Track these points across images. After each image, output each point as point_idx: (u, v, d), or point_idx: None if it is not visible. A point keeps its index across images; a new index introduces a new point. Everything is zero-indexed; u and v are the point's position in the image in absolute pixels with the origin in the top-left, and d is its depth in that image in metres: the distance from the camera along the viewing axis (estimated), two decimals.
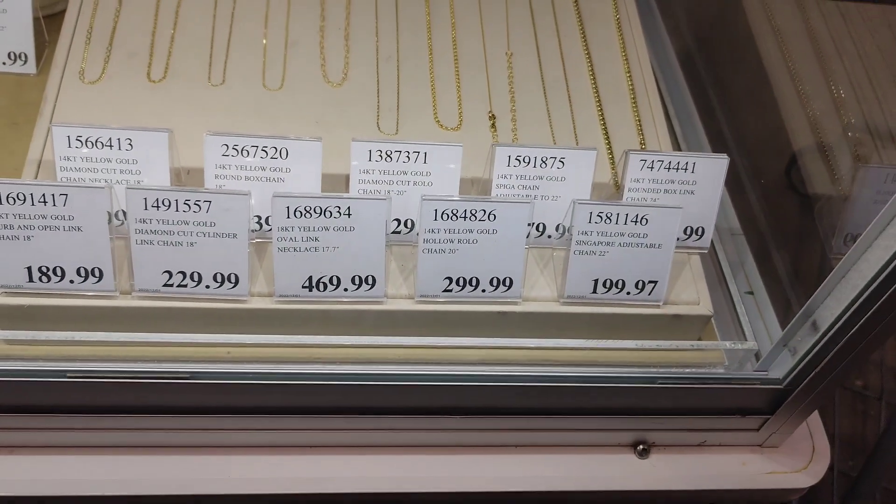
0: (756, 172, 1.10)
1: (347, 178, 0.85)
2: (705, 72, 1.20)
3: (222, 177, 0.78)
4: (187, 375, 0.75)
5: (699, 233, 0.87)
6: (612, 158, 0.94)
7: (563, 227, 0.84)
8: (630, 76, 1.01)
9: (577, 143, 0.94)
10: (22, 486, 0.78)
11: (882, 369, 1.86)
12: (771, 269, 1.01)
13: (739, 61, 1.19)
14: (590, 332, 0.84)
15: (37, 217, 0.72)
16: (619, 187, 0.91)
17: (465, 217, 0.77)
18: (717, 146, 1.11)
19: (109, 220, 0.73)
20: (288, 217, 0.74)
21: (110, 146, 0.76)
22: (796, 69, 1.08)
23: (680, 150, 1.04)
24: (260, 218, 0.80)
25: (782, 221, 1.06)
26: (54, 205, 0.71)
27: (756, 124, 1.13)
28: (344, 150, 0.81)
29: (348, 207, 0.75)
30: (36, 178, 0.82)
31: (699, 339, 0.87)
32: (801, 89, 1.06)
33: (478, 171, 0.87)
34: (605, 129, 0.96)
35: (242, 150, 0.77)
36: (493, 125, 0.95)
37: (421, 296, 0.79)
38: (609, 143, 0.95)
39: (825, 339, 0.74)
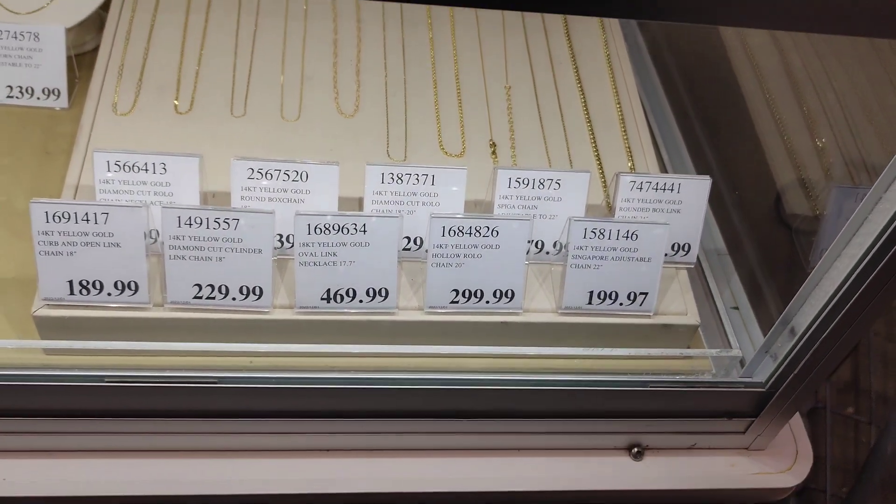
0: (739, 196, 1.17)
1: (360, 200, 0.92)
2: (690, 103, 1.28)
3: (248, 198, 0.85)
4: (214, 380, 0.81)
5: (686, 249, 0.94)
6: (604, 181, 1.01)
7: (560, 243, 0.90)
8: (619, 106, 1.09)
9: (571, 167, 1.02)
10: (59, 487, 0.83)
11: (871, 395, 1.92)
12: (754, 286, 1.08)
13: (721, 93, 1.28)
14: (586, 341, 0.90)
15: (79, 234, 0.79)
16: (610, 207, 0.98)
17: (470, 233, 0.84)
18: (702, 171, 1.19)
19: (145, 238, 0.80)
20: (309, 233, 0.81)
21: (146, 170, 0.83)
22: (773, 99, 1.16)
23: (666, 171, 1.12)
24: (282, 236, 0.86)
25: (764, 242, 1.13)
26: (96, 223, 0.78)
27: (738, 151, 1.21)
28: (356, 175, 0.88)
29: (364, 224, 0.82)
30: (74, 198, 0.89)
31: (688, 348, 0.94)
32: (777, 118, 1.14)
33: (480, 193, 0.94)
34: (598, 154, 1.04)
35: (266, 173, 0.84)
36: (494, 152, 1.02)
37: (430, 307, 0.86)
38: (601, 167, 1.02)
39: (802, 341, 0.81)
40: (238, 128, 0.99)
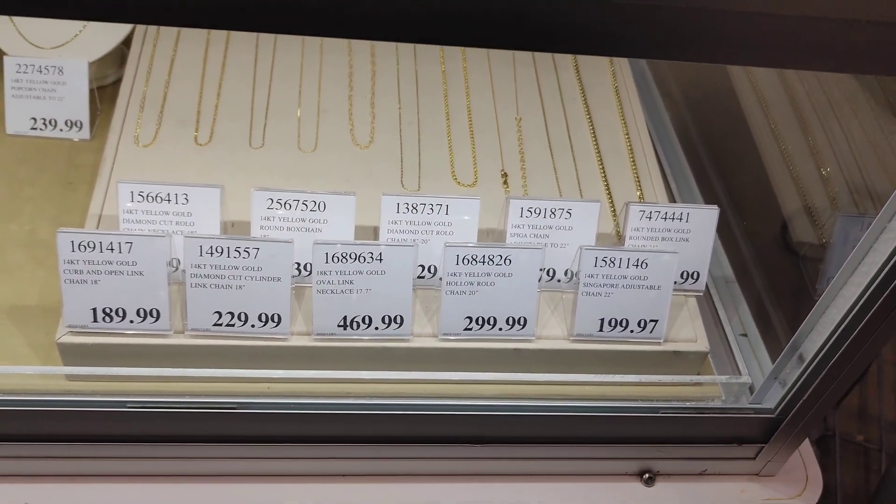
0: (746, 224, 1.19)
1: (375, 229, 0.95)
2: (696, 132, 1.31)
3: (267, 227, 0.87)
4: (233, 406, 0.83)
5: (695, 276, 0.96)
6: (614, 210, 1.03)
7: (571, 271, 0.92)
8: (628, 137, 1.12)
9: (581, 197, 1.04)
10: None
11: (881, 422, 1.92)
12: (762, 312, 1.09)
13: (727, 122, 1.30)
14: (597, 368, 0.91)
15: (103, 263, 0.81)
16: (620, 236, 1.00)
17: (483, 262, 0.86)
18: (709, 201, 1.21)
19: (167, 266, 0.82)
20: (326, 262, 0.83)
21: (168, 200, 0.86)
22: (778, 128, 1.19)
23: (674, 200, 1.14)
24: (299, 264, 0.88)
25: (771, 269, 1.15)
26: (120, 252, 0.80)
27: (744, 179, 1.23)
28: (371, 205, 0.90)
29: (380, 253, 0.84)
30: (97, 228, 0.91)
31: (698, 374, 0.95)
32: (783, 147, 1.17)
33: (492, 222, 0.96)
34: (607, 184, 1.06)
35: (285, 203, 0.87)
36: (505, 182, 1.04)
37: (444, 334, 0.88)
38: (611, 197, 1.05)
39: (810, 368, 0.82)
40: (256, 158, 1.01)
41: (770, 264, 1.15)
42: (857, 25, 0.56)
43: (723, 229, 1.14)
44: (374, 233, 0.95)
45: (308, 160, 1.02)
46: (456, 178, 1.04)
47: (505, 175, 1.05)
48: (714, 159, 1.27)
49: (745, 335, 1.07)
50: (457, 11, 0.52)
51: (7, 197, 1.03)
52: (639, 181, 1.07)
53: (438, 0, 0.51)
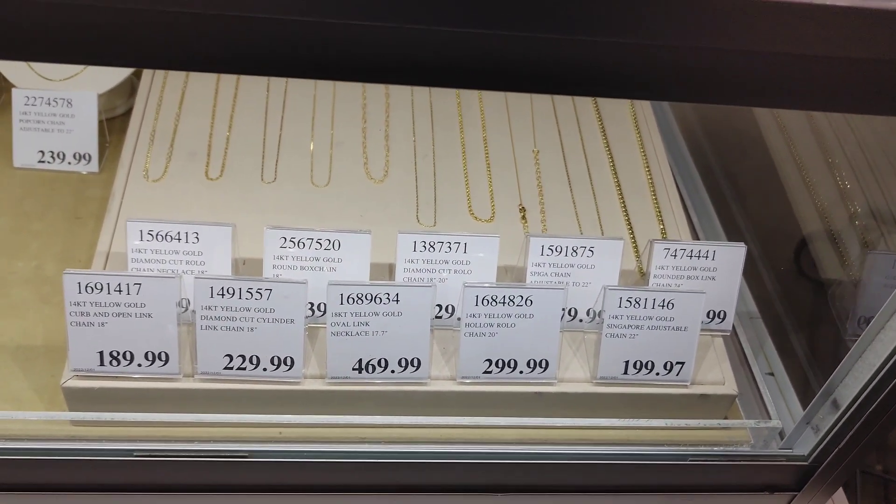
0: (770, 259, 1.16)
1: (390, 266, 0.92)
2: (717, 164, 1.28)
3: (280, 266, 0.84)
4: (245, 454, 0.79)
5: (721, 316, 0.92)
6: (636, 246, 1.00)
7: (594, 311, 0.89)
8: (648, 170, 1.09)
9: (602, 233, 1.01)
10: None
11: None
12: (789, 350, 1.06)
13: (748, 154, 1.27)
14: (621, 411, 0.88)
15: (111, 305, 0.78)
16: (643, 274, 0.97)
17: (504, 303, 0.83)
18: (731, 234, 1.18)
19: (176, 308, 0.79)
20: (341, 303, 0.80)
21: (178, 239, 0.83)
22: (801, 159, 1.16)
23: (697, 237, 1.11)
24: (313, 304, 0.86)
25: (797, 305, 1.12)
26: (128, 293, 0.78)
27: (767, 213, 1.20)
28: (386, 241, 0.88)
29: (397, 294, 0.81)
30: (105, 267, 0.89)
31: (725, 418, 0.91)
32: (807, 180, 1.14)
33: (511, 259, 0.93)
34: (628, 218, 1.03)
35: (298, 241, 0.84)
36: (524, 217, 1.02)
37: (462, 377, 0.84)
38: (632, 232, 1.02)
39: (846, 416, 0.79)
40: (268, 194, 0.99)
41: (795, 300, 1.12)
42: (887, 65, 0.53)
43: (746, 263, 1.11)
44: (390, 270, 0.92)
45: (321, 195, 1.00)
46: (473, 213, 1.01)
47: (523, 210, 1.02)
48: (735, 190, 1.24)
49: (772, 374, 1.03)
50: (467, 56, 0.49)
51: (13, 232, 1.00)
52: (660, 214, 1.04)
53: (453, 46, 0.48)
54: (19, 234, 1.00)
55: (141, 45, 0.45)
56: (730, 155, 1.28)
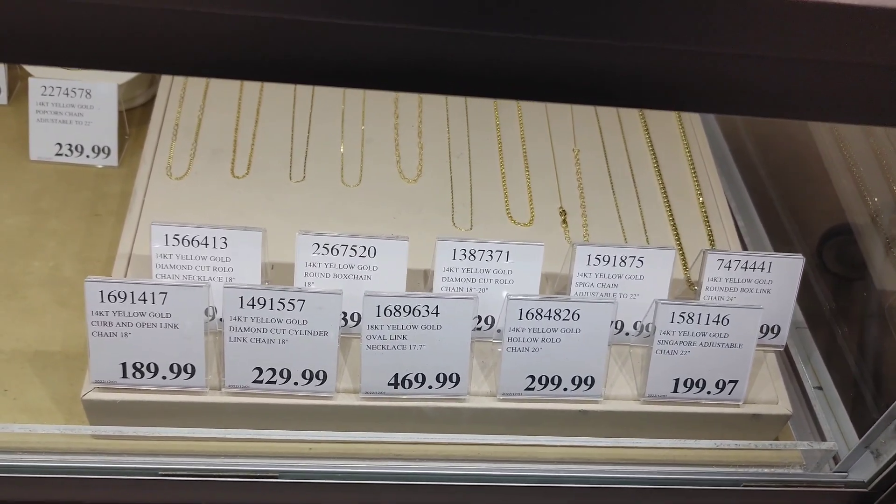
0: (816, 264, 1.11)
1: (425, 272, 0.87)
2: (760, 163, 1.22)
3: (312, 274, 0.80)
4: (275, 474, 0.75)
5: (775, 331, 0.87)
6: (682, 250, 0.95)
7: (642, 324, 0.84)
8: (694, 170, 1.03)
9: (646, 237, 0.96)
10: None
11: None
12: (839, 363, 1.01)
13: (794, 153, 1.21)
14: (669, 431, 0.83)
15: (135, 314, 0.74)
16: (692, 283, 0.92)
17: (549, 316, 0.78)
18: (778, 239, 1.13)
19: (203, 317, 0.75)
20: (378, 315, 0.75)
21: (206, 244, 0.78)
22: (852, 159, 1.10)
23: (743, 242, 1.05)
24: (346, 314, 0.81)
25: (846, 314, 1.06)
26: (153, 303, 0.73)
27: (815, 216, 1.15)
28: (421, 244, 0.83)
29: (436, 306, 0.76)
30: (126, 271, 0.84)
31: (776, 439, 0.86)
32: (860, 183, 1.08)
33: (552, 265, 0.88)
34: (673, 222, 0.98)
35: (332, 248, 0.79)
36: (565, 220, 0.96)
37: (503, 394, 0.80)
38: (678, 236, 0.96)
39: None
40: (297, 193, 0.94)
41: (844, 308, 1.07)
42: None
43: None
44: (425, 277, 0.87)
45: (352, 195, 0.95)
46: (511, 216, 0.96)
47: (564, 213, 0.97)
48: (779, 191, 1.18)
49: (820, 387, 0.98)
50: (498, 65, 0.44)
51: (30, 230, 0.96)
52: (707, 218, 0.99)
53: (491, 51, 0.43)
54: (36, 233, 0.96)
55: (160, 49, 0.40)
56: (773, 153, 1.22)
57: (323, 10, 0.39)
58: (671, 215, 0.99)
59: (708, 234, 0.98)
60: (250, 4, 0.39)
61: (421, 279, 0.88)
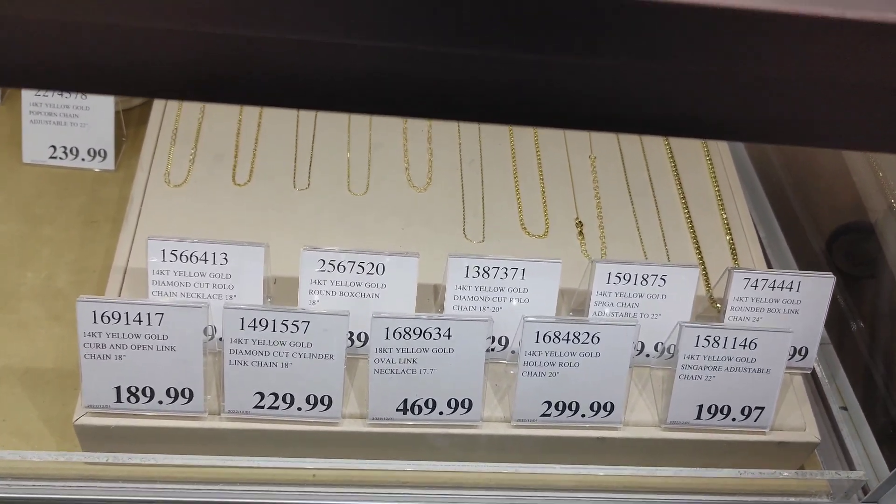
0: (843, 279, 1.06)
1: (435, 287, 0.83)
2: (784, 174, 1.18)
3: (317, 292, 0.76)
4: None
5: (803, 353, 0.83)
6: (704, 266, 0.91)
7: (664, 346, 0.80)
8: (716, 181, 0.99)
9: (666, 251, 0.92)
10: None
11: None
12: (866, 382, 0.97)
13: (821, 165, 1.17)
14: (691, 458, 0.79)
15: (130, 336, 0.70)
16: (713, 300, 0.88)
17: (567, 339, 0.74)
18: (797, 249, 1.08)
19: (203, 338, 0.71)
20: (387, 338, 0.71)
21: (205, 260, 0.74)
22: (881, 167, 1.05)
23: (766, 256, 1.01)
24: (352, 334, 0.77)
25: (872, 331, 1.02)
26: (149, 324, 0.69)
27: (837, 227, 1.10)
28: (431, 256, 0.79)
29: (448, 329, 0.72)
30: (121, 287, 0.80)
31: (802, 466, 0.82)
32: (890, 192, 1.04)
33: (568, 279, 0.84)
34: (694, 234, 0.94)
35: (339, 265, 0.75)
36: (581, 232, 0.92)
37: (518, 420, 0.76)
38: (699, 250, 0.92)
39: None
40: (301, 202, 0.90)
41: (871, 325, 1.03)
42: None
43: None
44: (435, 292, 0.83)
45: (359, 204, 0.91)
46: (525, 228, 0.92)
47: (580, 224, 0.93)
48: (803, 204, 1.14)
49: (846, 408, 0.94)
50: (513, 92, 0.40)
51: (23, 237, 0.92)
52: (730, 232, 0.95)
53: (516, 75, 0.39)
54: (29, 240, 0.92)
55: (150, 71, 0.36)
56: (798, 165, 1.18)
57: (320, 29, 0.35)
58: (692, 227, 0.94)
59: (730, 247, 0.93)
60: (244, 24, 0.34)
61: (431, 294, 0.84)
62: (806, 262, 1.05)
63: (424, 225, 0.90)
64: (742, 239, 0.94)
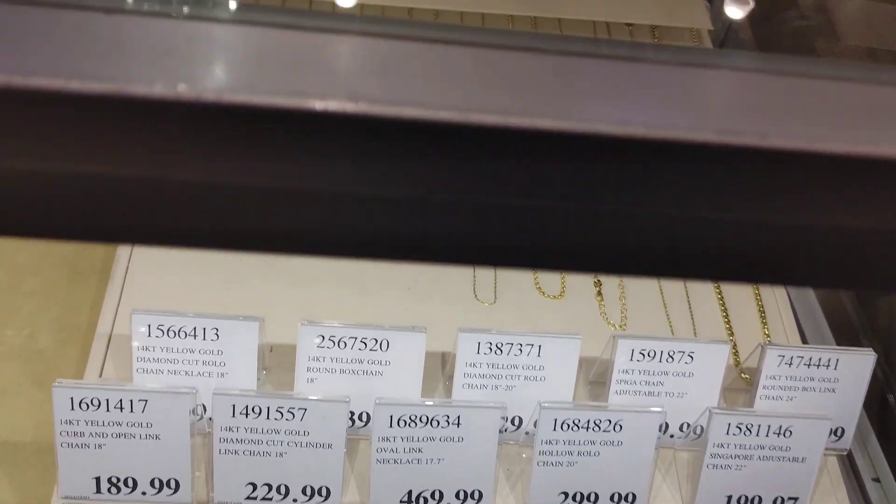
0: (872, 335, 1.00)
1: (443, 356, 0.78)
2: None
3: (315, 369, 0.70)
4: None
5: (839, 434, 0.77)
6: (732, 331, 0.85)
7: (690, 426, 0.74)
8: None
9: (691, 314, 0.86)
10: None
11: None
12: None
13: None
14: None
15: (111, 424, 0.64)
16: (743, 373, 0.82)
17: (587, 427, 0.68)
18: (831, 308, 1.02)
19: (189, 422, 0.65)
20: (391, 426, 0.66)
21: (194, 336, 0.69)
22: None
23: (798, 321, 0.94)
24: (353, 414, 0.71)
25: None
26: (132, 411, 0.64)
27: (881, 300, 1.04)
28: (439, 320, 0.74)
29: (458, 417, 0.66)
30: (105, 356, 0.74)
31: None
32: None
33: (586, 344, 0.77)
34: (720, 294, 0.87)
35: (339, 341, 0.69)
36: (599, 292, 0.86)
37: None
38: (725, 312, 0.86)
39: None
40: (301, 260, 0.84)
41: None
42: None
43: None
44: (443, 360, 0.78)
45: (363, 263, 0.84)
46: (540, 288, 0.86)
47: (599, 283, 0.87)
48: None
49: (878, 479, 0.88)
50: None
51: (4, 290, 0.86)
52: (758, 291, 0.88)
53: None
54: (10, 293, 0.86)
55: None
56: None
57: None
58: (718, 286, 0.88)
59: (759, 310, 0.87)
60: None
61: (439, 363, 0.78)
62: (835, 321, 0.99)
63: (432, 284, 0.84)
64: (772, 301, 0.88)
